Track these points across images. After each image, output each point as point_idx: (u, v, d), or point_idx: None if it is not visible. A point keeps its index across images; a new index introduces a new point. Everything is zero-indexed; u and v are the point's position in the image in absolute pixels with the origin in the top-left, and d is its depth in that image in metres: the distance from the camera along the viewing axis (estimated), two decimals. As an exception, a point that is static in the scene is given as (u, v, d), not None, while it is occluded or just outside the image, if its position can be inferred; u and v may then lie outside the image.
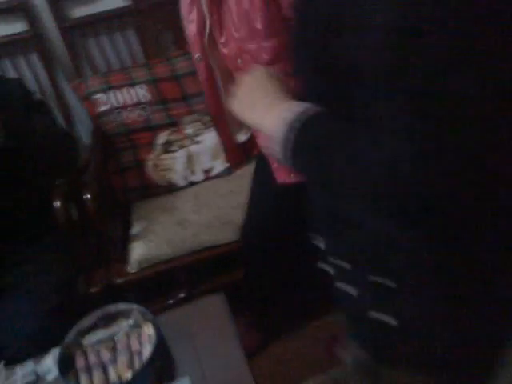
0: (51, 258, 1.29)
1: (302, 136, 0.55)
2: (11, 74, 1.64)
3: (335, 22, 0.51)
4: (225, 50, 1.01)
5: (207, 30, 1.04)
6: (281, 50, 0.97)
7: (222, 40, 0.99)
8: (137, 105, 1.61)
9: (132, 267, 1.40)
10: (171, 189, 1.64)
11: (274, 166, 1.14)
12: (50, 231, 1.30)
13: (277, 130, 0.58)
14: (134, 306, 1.00)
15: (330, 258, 0.69)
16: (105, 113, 1.59)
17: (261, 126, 0.63)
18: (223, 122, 1.24)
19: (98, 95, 1.56)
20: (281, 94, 0.63)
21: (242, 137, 1.28)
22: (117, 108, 1.59)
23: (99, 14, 1.63)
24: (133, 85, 1.60)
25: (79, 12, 1.62)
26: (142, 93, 1.60)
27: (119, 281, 1.39)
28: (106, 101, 1.57)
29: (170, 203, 1.60)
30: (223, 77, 1.14)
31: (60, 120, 1.70)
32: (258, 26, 0.93)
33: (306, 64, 0.61)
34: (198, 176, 1.67)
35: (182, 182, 1.65)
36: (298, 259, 1.50)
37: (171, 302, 1.51)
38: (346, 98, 0.53)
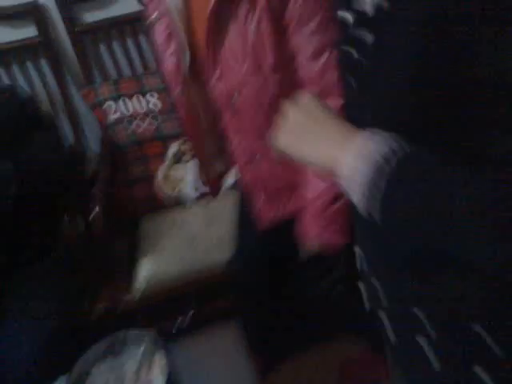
0: (53, 279, 1.24)
1: (397, 183, 0.45)
2: (20, 80, 1.58)
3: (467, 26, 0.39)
4: (217, 86, 0.92)
5: (187, 64, 0.96)
6: (288, 82, 0.90)
7: (216, 75, 0.91)
8: (148, 113, 1.55)
9: (139, 287, 1.34)
10: (182, 201, 1.59)
11: (258, 207, 1.05)
12: (52, 250, 1.25)
13: (356, 171, 0.46)
14: (145, 333, 0.95)
15: (409, 310, 0.58)
16: (115, 122, 1.53)
17: (326, 164, 0.51)
18: (202, 155, 1.19)
19: (108, 103, 1.51)
20: (345, 125, 0.52)
21: (220, 169, 1.23)
22: (127, 117, 1.53)
23: (111, 19, 1.57)
24: (144, 93, 1.54)
25: (91, 17, 1.57)
26: (153, 101, 1.55)
27: (125, 301, 1.33)
28: (116, 109, 1.52)
29: (179, 216, 1.54)
30: (206, 112, 1.07)
31: (68, 129, 1.65)
32: (269, 59, 0.86)
33: (383, 87, 0.49)
34: (210, 188, 1.61)
35: (193, 194, 1.59)
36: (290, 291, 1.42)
37: (179, 322, 1.45)
38: (451, 127, 0.43)
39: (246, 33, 0.84)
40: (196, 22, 0.91)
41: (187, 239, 1.43)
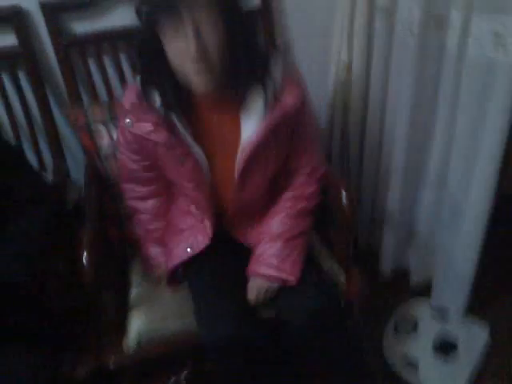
0: (30, 337, 1.02)
1: None
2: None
3: None
4: (237, 194, 1.13)
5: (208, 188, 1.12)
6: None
7: (239, 188, 1.11)
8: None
9: (130, 345, 1.13)
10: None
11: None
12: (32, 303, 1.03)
13: None
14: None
15: None
16: (105, 149, 1.33)
17: None
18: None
19: (99, 128, 1.31)
20: None
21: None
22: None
23: (103, 31, 1.38)
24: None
25: (81, 28, 1.37)
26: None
27: (114, 361, 1.12)
28: (108, 135, 1.32)
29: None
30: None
31: (47, 153, 1.44)
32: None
33: None
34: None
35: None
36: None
37: (172, 380, 1.25)
38: None
39: (268, 158, 1.09)
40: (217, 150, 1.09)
41: (186, 286, 1.23)
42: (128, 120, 1.05)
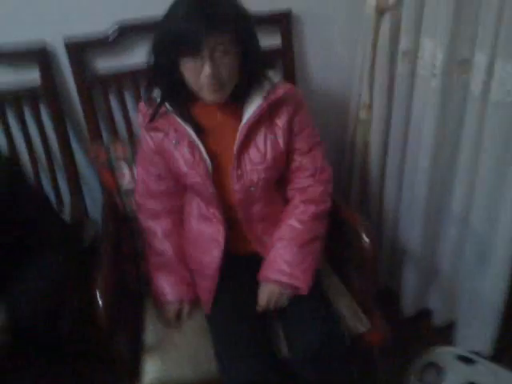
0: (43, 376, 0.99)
1: None
2: (13, 129, 1.38)
3: None
4: (238, 182, 1.13)
5: (210, 170, 1.12)
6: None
7: (238, 175, 1.13)
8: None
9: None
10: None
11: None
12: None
13: None
14: None
15: None
16: (125, 185, 1.32)
17: None
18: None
19: (120, 164, 1.30)
20: None
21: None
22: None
23: (125, 69, 1.39)
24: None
25: (103, 66, 1.39)
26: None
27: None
28: (129, 171, 1.30)
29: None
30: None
31: (65, 189, 1.44)
32: (282, 162, 1.18)
33: None
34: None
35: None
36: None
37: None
38: None
39: (265, 146, 1.13)
40: (215, 139, 1.14)
41: (204, 329, 1.19)
42: (141, 118, 1.17)
